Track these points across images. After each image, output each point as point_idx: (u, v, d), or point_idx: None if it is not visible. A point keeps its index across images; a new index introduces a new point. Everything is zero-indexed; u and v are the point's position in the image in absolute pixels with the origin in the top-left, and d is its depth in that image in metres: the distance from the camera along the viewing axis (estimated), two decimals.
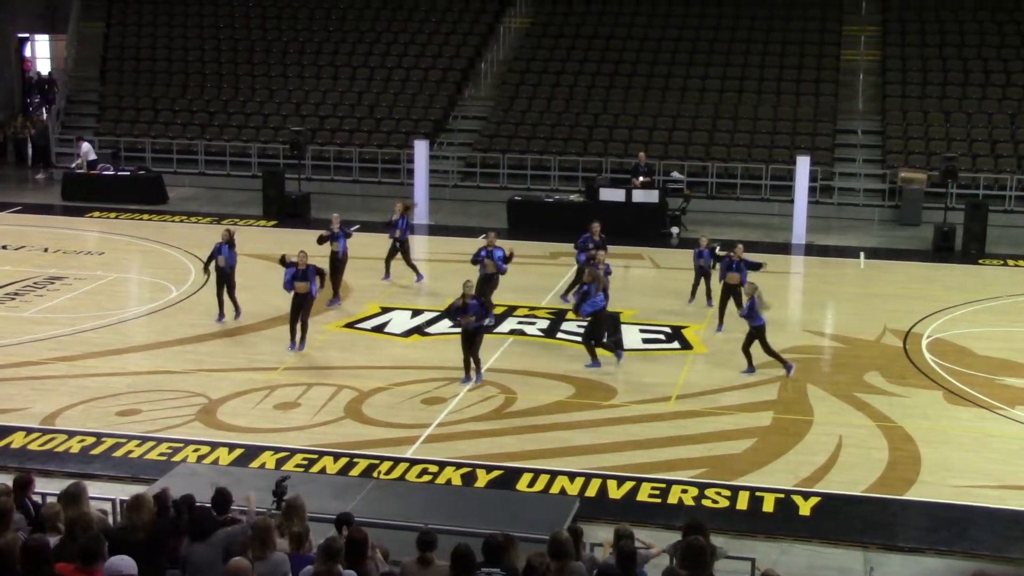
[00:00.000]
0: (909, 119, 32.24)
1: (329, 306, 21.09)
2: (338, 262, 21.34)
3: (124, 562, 7.88)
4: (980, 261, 26.05)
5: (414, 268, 22.83)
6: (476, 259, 20.40)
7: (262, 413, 16.42)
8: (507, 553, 9.34)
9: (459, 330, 17.75)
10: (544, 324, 20.56)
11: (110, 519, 10.66)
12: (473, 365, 17.57)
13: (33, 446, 15.14)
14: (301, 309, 18.89)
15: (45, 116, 39.92)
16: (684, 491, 14.08)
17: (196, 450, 15.06)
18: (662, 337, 19.91)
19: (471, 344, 17.49)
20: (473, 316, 17.31)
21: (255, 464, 14.58)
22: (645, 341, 19.85)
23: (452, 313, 17.59)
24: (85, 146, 32.51)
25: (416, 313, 21.06)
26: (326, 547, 8.70)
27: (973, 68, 33.45)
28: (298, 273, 18.73)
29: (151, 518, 9.32)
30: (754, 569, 10.87)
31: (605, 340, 18.65)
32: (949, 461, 15.13)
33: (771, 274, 21.22)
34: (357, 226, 23.13)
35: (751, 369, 18.12)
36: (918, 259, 26.26)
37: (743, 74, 34.18)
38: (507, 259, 20.21)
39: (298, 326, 18.91)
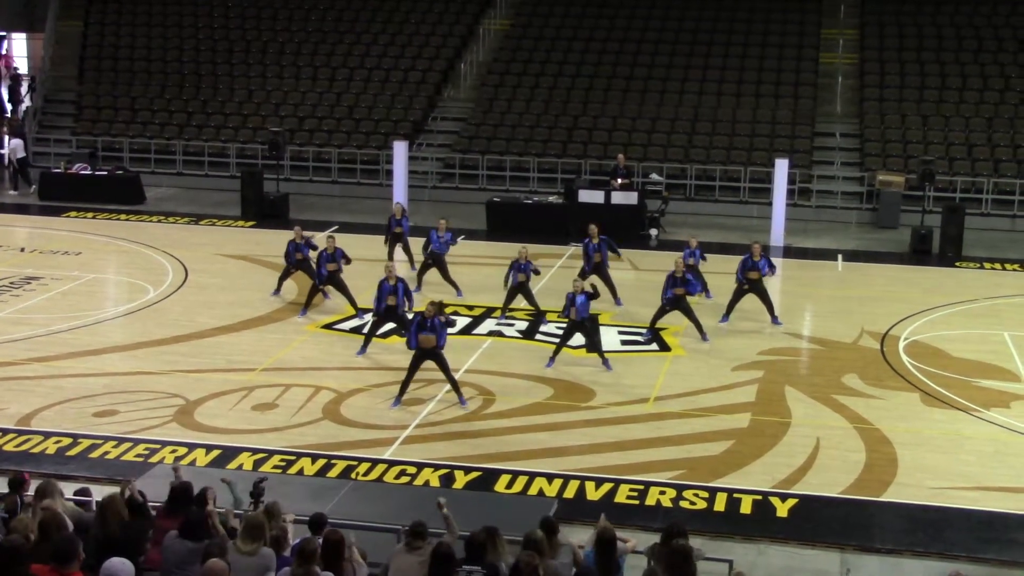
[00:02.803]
0: (887, 122, 32.39)
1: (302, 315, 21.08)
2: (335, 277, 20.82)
3: (123, 566, 7.84)
4: (957, 264, 26.18)
5: (453, 284, 22.28)
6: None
7: (240, 414, 16.37)
8: (491, 549, 9.34)
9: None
10: (523, 326, 20.56)
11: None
12: (453, 389, 16.76)
13: (8, 447, 15.05)
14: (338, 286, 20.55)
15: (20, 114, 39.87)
16: (662, 492, 14.09)
17: (173, 451, 14.99)
18: (640, 339, 19.93)
19: (439, 363, 16.56)
20: (434, 335, 16.35)
21: (232, 465, 14.51)
22: (624, 343, 19.87)
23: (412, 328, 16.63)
24: (14, 142, 32.42)
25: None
26: (301, 549, 8.69)
27: (950, 72, 33.63)
28: (327, 255, 20.33)
29: (120, 517, 9.32)
30: (731, 571, 10.89)
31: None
32: (925, 463, 15.20)
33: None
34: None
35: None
36: (895, 262, 26.38)
37: (722, 76, 34.27)
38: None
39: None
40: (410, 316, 17.73)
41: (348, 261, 20.74)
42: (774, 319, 20.80)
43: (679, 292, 19.48)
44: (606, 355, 18.47)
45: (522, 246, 20.79)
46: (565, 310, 18.33)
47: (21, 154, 32.36)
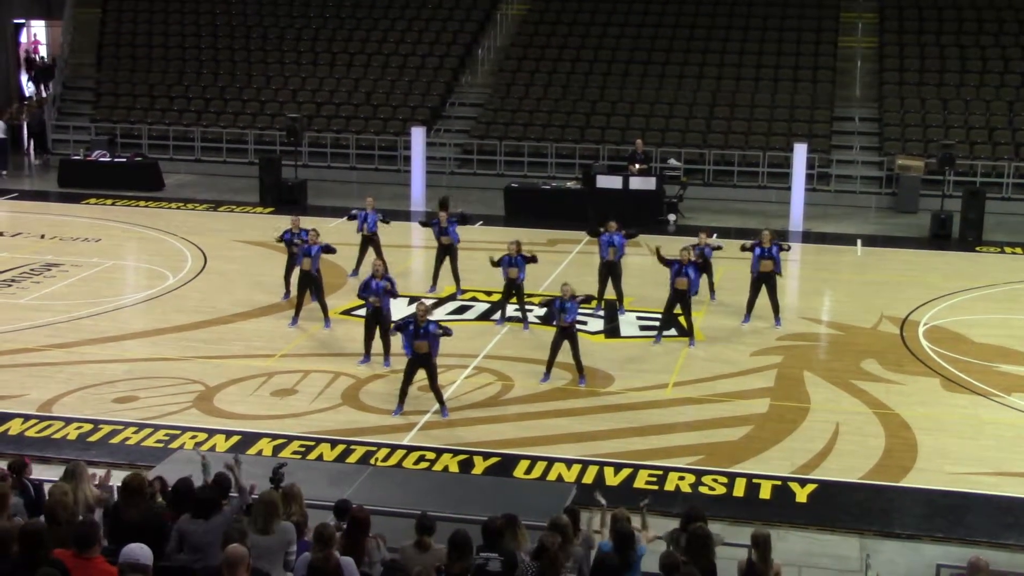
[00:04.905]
0: (906, 106, 32.21)
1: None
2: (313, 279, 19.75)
3: (141, 551, 7.88)
4: (977, 248, 26.06)
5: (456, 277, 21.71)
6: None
7: (259, 400, 16.42)
8: (509, 537, 9.33)
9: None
10: (541, 311, 20.48)
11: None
12: (436, 398, 15.98)
13: (30, 433, 15.15)
14: (309, 287, 19.41)
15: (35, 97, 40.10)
16: (681, 478, 14.10)
17: (193, 437, 15.06)
18: (659, 324, 19.85)
19: (429, 371, 15.81)
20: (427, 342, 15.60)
21: (252, 451, 14.56)
22: (642, 328, 19.84)
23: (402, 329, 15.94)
24: None
25: (412, 301, 20.98)
26: (318, 534, 8.71)
27: (971, 55, 33.42)
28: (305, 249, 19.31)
29: (145, 501, 9.34)
30: (750, 555, 10.88)
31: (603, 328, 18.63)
32: (945, 448, 15.16)
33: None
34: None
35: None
36: (915, 246, 26.27)
37: (740, 61, 34.15)
38: None
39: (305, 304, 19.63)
40: (395, 318, 17.25)
41: (333, 251, 19.84)
42: (776, 320, 19.94)
43: (681, 286, 18.72)
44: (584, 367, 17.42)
45: (513, 240, 19.91)
46: (553, 318, 17.26)
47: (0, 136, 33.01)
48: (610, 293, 20.51)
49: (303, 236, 20.10)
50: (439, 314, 19.98)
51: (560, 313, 16.91)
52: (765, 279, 19.77)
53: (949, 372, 17.91)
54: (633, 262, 21.93)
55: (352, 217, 22.38)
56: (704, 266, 19.89)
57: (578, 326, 19.19)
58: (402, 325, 15.89)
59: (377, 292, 17.40)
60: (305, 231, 20.25)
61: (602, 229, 20.26)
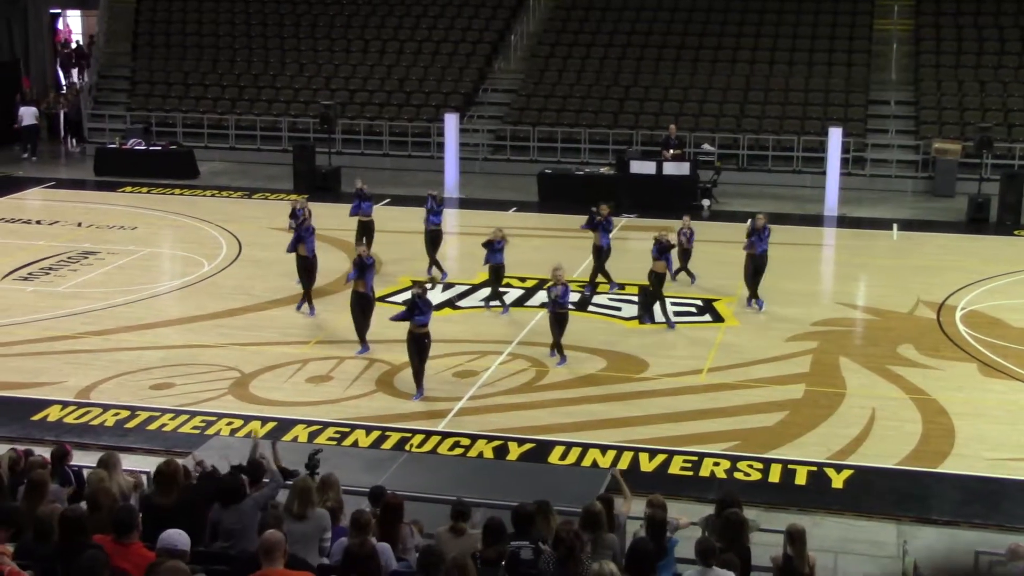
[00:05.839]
0: (943, 89, 31.91)
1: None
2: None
3: (179, 537, 7.94)
4: (1015, 232, 25.80)
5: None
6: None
7: (294, 386, 16.51)
8: (540, 523, 9.33)
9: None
10: (575, 297, 20.46)
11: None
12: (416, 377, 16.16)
13: (69, 419, 15.30)
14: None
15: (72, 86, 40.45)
16: (716, 464, 14.08)
17: (229, 423, 15.17)
18: (693, 310, 19.84)
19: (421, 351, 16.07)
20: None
21: (288, 437, 14.65)
22: (676, 314, 19.75)
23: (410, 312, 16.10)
24: (24, 110, 33.90)
25: (448, 287, 21.06)
26: (355, 520, 8.77)
27: (1009, 37, 33.04)
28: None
29: (180, 486, 9.40)
30: (786, 548, 10.85)
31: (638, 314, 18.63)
32: (983, 433, 15.05)
33: (803, 246, 21.06)
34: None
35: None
36: (952, 230, 26.04)
37: (774, 45, 33.90)
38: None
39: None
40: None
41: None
42: (757, 302, 19.83)
43: (659, 270, 18.92)
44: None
45: (497, 228, 19.94)
46: (551, 304, 17.36)
47: (30, 121, 33.62)
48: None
49: (299, 215, 20.25)
50: (468, 301, 20.03)
51: (552, 301, 17.14)
52: (755, 260, 19.71)
53: (986, 357, 17.76)
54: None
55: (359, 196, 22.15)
56: (668, 247, 19.65)
57: (610, 312, 19.30)
58: (401, 317, 16.20)
59: (349, 277, 17.53)
60: (301, 210, 20.48)
61: (596, 213, 20.48)
